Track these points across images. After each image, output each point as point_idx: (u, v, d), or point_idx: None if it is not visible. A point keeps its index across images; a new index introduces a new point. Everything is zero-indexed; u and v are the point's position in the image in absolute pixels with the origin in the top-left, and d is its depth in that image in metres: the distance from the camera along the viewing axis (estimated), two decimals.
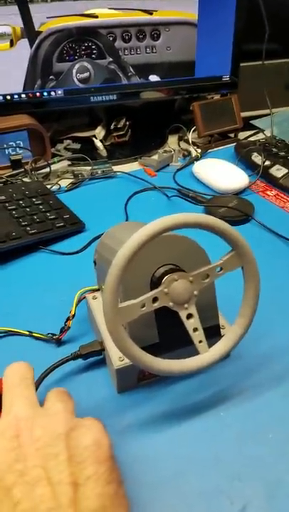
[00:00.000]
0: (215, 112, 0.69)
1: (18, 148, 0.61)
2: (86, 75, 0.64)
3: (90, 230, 0.50)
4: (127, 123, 0.71)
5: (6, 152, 0.61)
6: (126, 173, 0.62)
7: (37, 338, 0.35)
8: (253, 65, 0.73)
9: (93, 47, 0.62)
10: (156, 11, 0.63)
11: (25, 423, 0.20)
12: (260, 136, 0.70)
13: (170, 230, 0.24)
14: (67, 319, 0.35)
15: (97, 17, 0.61)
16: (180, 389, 0.31)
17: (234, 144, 0.68)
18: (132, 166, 0.65)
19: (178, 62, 0.67)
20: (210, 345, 0.28)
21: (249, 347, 0.33)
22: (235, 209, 0.51)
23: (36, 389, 0.24)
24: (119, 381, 0.30)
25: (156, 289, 0.26)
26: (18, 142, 0.62)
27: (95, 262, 0.36)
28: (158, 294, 0.26)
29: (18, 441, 0.19)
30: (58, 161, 0.63)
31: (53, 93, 0.64)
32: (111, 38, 0.62)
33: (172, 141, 0.72)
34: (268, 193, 0.58)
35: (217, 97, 0.74)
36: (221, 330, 0.31)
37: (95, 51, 0.63)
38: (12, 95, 0.63)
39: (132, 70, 0.65)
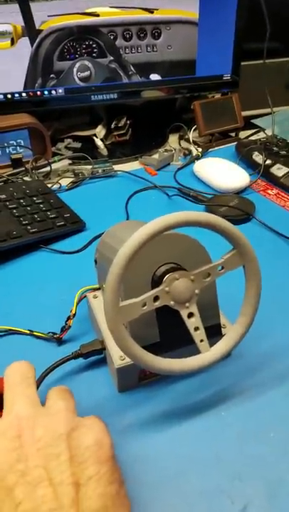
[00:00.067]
0: (216, 111, 0.69)
1: (18, 147, 0.61)
2: (87, 73, 0.64)
3: (90, 229, 0.50)
4: (128, 122, 0.71)
5: (7, 151, 0.61)
6: (126, 172, 0.62)
7: (38, 337, 0.35)
8: (254, 63, 0.73)
9: (94, 45, 0.62)
10: (157, 9, 0.62)
11: (26, 423, 0.20)
12: (261, 135, 0.70)
13: (171, 228, 0.24)
14: (68, 318, 0.35)
15: (98, 15, 0.60)
16: (181, 388, 0.31)
17: (235, 143, 0.68)
18: (133, 165, 0.65)
19: (179, 61, 0.67)
20: (211, 344, 0.28)
21: (250, 346, 0.33)
22: (236, 208, 0.50)
23: (37, 388, 0.24)
24: (120, 380, 0.30)
25: (158, 288, 0.26)
26: (18, 141, 0.61)
27: (95, 261, 0.36)
28: (159, 293, 0.26)
29: (20, 441, 0.19)
30: (59, 160, 0.63)
31: (53, 92, 0.64)
32: (112, 37, 0.62)
33: (173, 140, 0.72)
34: (269, 192, 0.58)
35: (218, 96, 0.74)
36: (222, 329, 0.31)
37: (95, 50, 0.62)
38: (13, 94, 0.62)
39: (132, 68, 0.65)
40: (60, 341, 0.35)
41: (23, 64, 0.61)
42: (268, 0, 0.66)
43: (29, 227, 0.47)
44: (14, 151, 0.61)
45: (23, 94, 0.63)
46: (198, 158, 0.65)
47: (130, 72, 0.66)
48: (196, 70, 0.68)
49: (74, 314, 0.35)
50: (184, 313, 0.27)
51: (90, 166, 0.62)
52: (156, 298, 0.26)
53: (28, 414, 0.21)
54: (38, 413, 0.21)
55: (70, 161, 0.64)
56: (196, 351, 0.27)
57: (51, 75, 0.63)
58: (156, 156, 0.65)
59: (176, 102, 0.78)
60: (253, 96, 0.75)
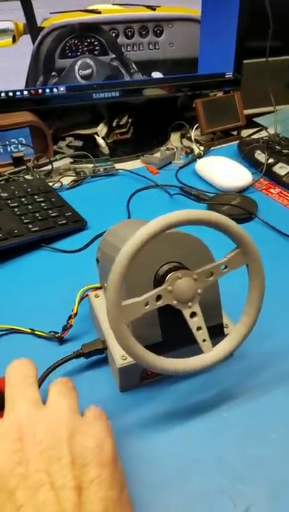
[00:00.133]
0: (218, 110, 0.69)
1: (20, 146, 0.61)
2: (88, 71, 0.64)
3: (91, 227, 0.50)
4: (130, 120, 0.71)
5: (8, 149, 0.61)
6: (128, 170, 0.61)
7: (39, 336, 0.35)
8: (256, 62, 0.72)
9: (96, 43, 0.62)
10: (159, 6, 0.62)
11: (27, 425, 0.20)
12: (264, 133, 0.69)
13: (174, 226, 0.24)
14: (70, 317, 0.35)
15: (100, 13, 0.60)
16: (183, 388, 0.31)
17: (237, 141, 0.68)
18: (134, 164, 0.65)
19: (181, 58, 0.66)
20: (213, 344, 0.27)
21: (252, 346, 0.33)
22: (239, 207, 0.50)
23: (39, 387, 0.24)
24: (122, 380, 0.30)
25: (160, 287, 0.26)
26: (20, 139, 0.61)
27: (97, 260, 0.36)
28: (162, 292, 0.26)
29: (21, 444, 0.19)
30: (60, 159, 0.63)
31: (55, 90, 0.64)
32: (114, 34, 0.62)
33: (174, 138, 0.72)
34: (272, 191, 0.57)
35: (220, 94, 0.74)
36: (225, 329, 0.31)
37: (97, 47, 0.62)
38: (14, 92, 0.62)
39: (134, 66, 0.65)
40: (61, 340, 0.35)
41: (25, 62, 0.61)
42: None
43: (30, 226, 0.46)
44: (16, 150, 0.61)
45: (25, 92, 0.63)
46: (200, 156, 0.64)
47: (132, 70, 0.65)
48: (198, 67, 0.68)
49: (75, 313, 0.35)
50: (186, 313, 0.26)
51: (92, 165, 0.62)
52: (158, 297, 0.26)
53: (28, 416, 0.20)
54: (39, 414, 0.21)
55: (72, 160, 0.64)
56: (199, 351, 0.27)
57: (53, 73, 0.62)
58: (157, 154, 0.65)
59: (177, 100, 0.78)
60: (255, 94, 0.74)
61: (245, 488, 0.25)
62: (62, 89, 0.64)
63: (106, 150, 0.68)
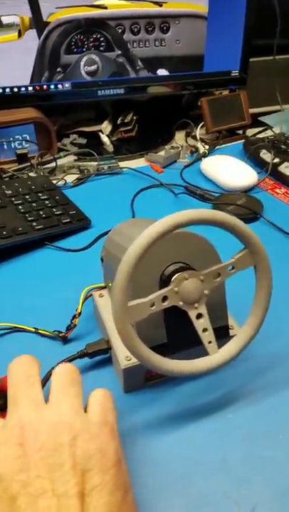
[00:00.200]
0: (223, 108, 0.68)
1: (24, 142, 0.61)
2: (94, 67, 0.63)
3: (95, 226, 0.50)
4: (134, 118, 0.70)
5: (12, 146, 0.60)
6: (132, 169, 0.61)
7: (43, 335, 0.35)
8: (263, 60, 0.72)
9: (102, 39, 0.61)
10: (166, 2, 0.61)
11: (28, 429, 0.20)
12: (269, 133, 0.69)
13: (182, 226, 0.23)
14: (74, 317, 0.34)
15: (106, 8, 0.59)
16: (187, 390, 0.31)
17: (242, 140, 0.67)
18: (139, 162, 0.64)
19: (187, 55, 0.65)
20: (218, 345, 0.27)
21: (258, 347, 0.32)
22: (244, 207, 0.50)
23: (42, 387, 0.23)
24: (126, 381, 0.30)
25: (166, 288, 0.25)
26: (24, 136, 0.61)
27: (102, 259, 0.35)
28: (168, 293, 0.25)
29: (23, 450, 0.19)
30: (64, 156, 0.62)
31: (60, 86, 0.63)
32: (120, 30, 0.61)
33: (179, 137, 0.71)
34: (277, 191, 0.57)
35: (225, 92, 0.73)
36: (230, 330, 0.31)
37: (103, 43, 0.62)
38: (19, 88, 0.62)
39: (140, 63, 0.64)
40: (65, 340, 0.35)
41: (30, 57, 0.60)
42: None
43: (35, 224, 0.46)
44: (20, 146, 0.61)
45: (29, 88, 0.62)
46: (205, 155, 0.64)
47: (138, 67, 0.65)
48: (204, 65, 0.67)
49: (80, 313, 0.34)
50: (192, 314, 0.26)
51: (96, 163, 0.61)
52: (164, 298, 0.25)
53: (30, 419, 0.20)
54: (40, 417, 0.20)
55: (76, 157, 0.64)
56: (204, 353, 0.27)
57: (58, 69, 0.62)
58: (162, 153, 0.64)
59: (182, 98, 0.77)
60: (261, 93, 0.74)
61: (250, 490, 0.25)
62: (67, 85, 0.63)
63: (110, 148, 0.67)
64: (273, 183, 0.58)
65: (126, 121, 0.69)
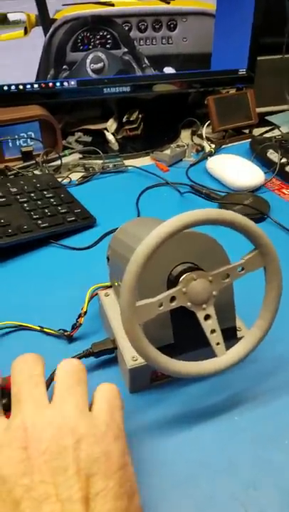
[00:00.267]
0: (230, 107, 0.67)
1: (29, 140, 0.60)
2: (100, 65, 0.63)
3: (100, 225, 0.50)
4: (140, 116, 0.70)
5: (17, 143, 0.60)
6: (137, 167, 0.61)
7: (48, 334, 0.35)
8: (271, 58, 0.71)
9: (108, 36, 0.61)
10: None
11: (32, 431, 0.19)
12: (276, 132, 0.68)
13: (192, 226, 0.23)
14: (79, 316, 0.34)
15: (113, 5, 0.59)
16: (193, 391, 0.31)
17: (249, 140, 0.67)
18: (144, 161, 0.64)
19: (194, 54, 0.65)
20: (226, 347, 0.27)
21: (265, 350, 0.32)
22: (251, 207, 0.49)
23: (47, 388, 0.23)
24: (132, 381, 0.30)
25: (174, 288, 0.25)
26: (29, 133, 0.61)
27: (108, 258, 0.35)
28: (176, 293, 0.25)
29: (27, 453, 0.19)
30: (70, 154, 0.62)
31: (65, 84, 0.63)
32: (126, 28, 0.61)
33: (185, 135, 0.71)
34: (284, 191, 0.56)
35: (232, 91, 0.72)
36: (237, 332, 0.31)
37: (109, 41, 0.61)
38: (24, 85, 0.61)
39: (146, 61, 0.64)
40: (70, 339, 0.34)
41: (36, 54, 0.60)
42: None
43: (40, 222, 0.46)
44: (25, 144, 0.60)
45: (35, 86, 0.62)
46: (211, 154, 0.63)
47: (144, 65, 0.64)
48: (211, 63, 0.67)
49: (85, 312, 0.34)
50: (200, 315, 0.26)
51: (101, 161, 0.61)
52: (172, 298, 0.25)
53: (34, 421, 0.20)
54: (44, 419, 0.20)
55: (81, 155, 0.63)
56: (210, 354, 0.26)
57: (64, 66, 0.62)
58: (168, 151, 0.64)
59: (189, 97, 0.77)
60: (268, 92, 0.73)
61: (257, 494, 0.25)
62: (72, 83, 0.63)
63: (115, 146, 0.67)
64: (280, 183, 0.58)
65: (131, 119, 0.69)
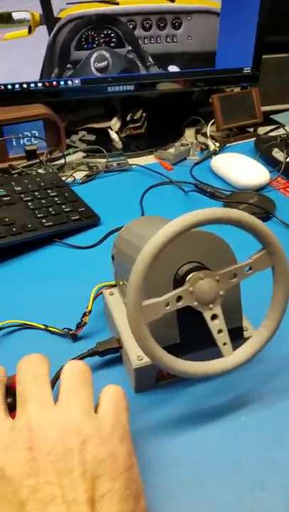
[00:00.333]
0: (234, 105, 0.67)
1: (33, 139, 0.60)
2: (104, 64, 0.62)
3: (104, 223, 0.49)
4: (144, 114, 0.69)
5: (21, 142, 0.60)
6: (141, 166, 0.60)
7: (52, 333, 0.35)
8: (276, 57, 0.70)
9: (112, 35, 0.61)
10: None
11: (37, 431, 0.19)
12: (281, 131, 0.68)
13: (199, 225, 0.23)
14: (84, 315, 0.34)
15: (117, 4, 0.59)
16: (199, 391, 0.30)
17: (253, 138, 0.66)
18: (148, 159, 0.63)
19: (198, 52, 0.65)
20: (232, 347, 0.27)
21: (271, 350, 0.31)
22: (256, 206, 0.49)
23: (52, 387, 0.23)
24: (137, 381, 0.29)
25: (181, 288, 0.25)
26: (33, 132, 0.60)
27: (112, 257, 0.35)
28: (182, 293, 0.25)
29: (32, 454, 0.19)
30: (73, 153, 0.62)
31: (69, 82, 0.63)
32: (131, 26, 0.61)
33: (189, 134, 0.70)
34: None
35: (237, 89, 0.72)
36: (244, 332, 0.30)
37: (114, 39, 0.61)
38: (28, 84, 0.61)
39: (151, 59, 0.64)
40: (75, 338, 0.34)
41: (40, 53, 0.60)
42: None
43: (44, 221, 0.46)
44: (29, 143, 0.60)
45: (39, 84, 0.62)
46: (215, 153, 0.63)
47: (148, 63, 0.64)
48: (216, 62, 0.66)
49: (90, 311, 0.34)
50: (207, 315, 0.26)
51: (105, 160, 0.61)
52: (179, 298, 0.25)
53: (39, 422, 0.20)
54: (50, 418, 0.20)
55: (85, 154, 0.63)
56: (216, 354, 0.26)
57: (68, 65, 0.61)
58: (172, 150, 0.64)
59: (192, 95, 0.76)
60: (273, 90, 0.73)
61: (263, 494, 0.25)
62: (76, 81, 0.63)
63: (119, 145, 0.67)
64: (285, 182, 0.57)
65: (135, 117, 0.69)
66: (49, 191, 0.50)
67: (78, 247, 0.46)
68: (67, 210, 0.48)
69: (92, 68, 0.62)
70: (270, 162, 0.60)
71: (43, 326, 0.35)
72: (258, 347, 0.26)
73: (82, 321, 0.34)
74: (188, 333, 0.28)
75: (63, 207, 0.49)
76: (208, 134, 0.67)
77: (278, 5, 0.66)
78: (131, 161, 0.62)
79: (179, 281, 0.26)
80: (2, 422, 0.20)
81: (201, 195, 0.54)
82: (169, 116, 0.73)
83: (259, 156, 0.60)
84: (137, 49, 0.62)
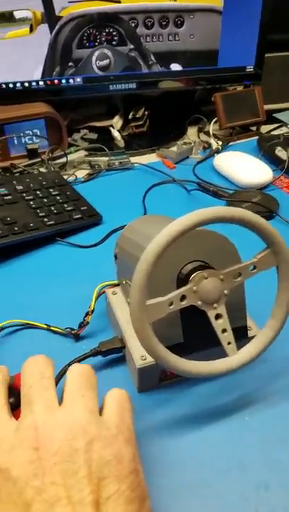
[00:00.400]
0: (237, 104, 0.67)
1: (34, 137, 0.60)
2: (106, 62, 0.62)
3: (107, 222, 0.49)
4: (146, 113, 0.69)
5: (23, 141, 0.60)
6: (144, 164, 0.60)
7: (55, 332, 0.35)
8: (279, 55, 0.70)
9: (114, 33, 0.60)
10: None
11: (43, 432, 0.19)
12: (284, 129, 0.68)
13: (203, 224, 0.23)
14: (86, 314, 0.34)
15: (119, 2, 0.58)
16: (203, 391, 0.30)
17: (256, 137, 0.66)
18: (150, 158, 0.63)
19: (201, 50, 0.64)
20: (236, 347, 0.26)
21: (275, 350, 0.31)
22: (260, 204, 0.49)
23: (56, 385, 0.23)
24: (141, 381, 0.29)
25: (185, 287, 0.25)
26: (35, 131, 0.60)
27: (115, 256, 0.35)
28: (186, 292, 0.25)
29: (38, 454, 0.18)
30: (75, 151, 0.62)
31: (71, 81, 0.62)
32: (133, 24, 0.60)
33: (191, 132, 0.70)
34: None
35: (239, 88, 0.72)
36: (248, 331, 0.30)
37: (115, 38, 0.61)
38: (30, 82, 0.61)
39: (153, 58, 0.63)
40: (77, 337, 0.34)
41: (42, 52, 0.60)
42: None
43: (46, 220, 0.46)
44: (30, 141, 0.60)
45: (41, 83, 0.62)
46: (218, 151, 0.63)
47: (150, 62, 0.64)
48: (218, 60, 0.66)
49: (92, 310, 0.34)
50: (211, 314, 0.25)
51: (107, 158, 0.61)
52: (183, 297, 0.25)
53: (44, 422, 0.19)
54: (55, 419, 0.20)
55: (86, 153, 0.63)
56: (220, 353, 0.26)
57: (69, 63, 0.61)
58: (174, 148, 0.63)
59: (195, 94, 0.76)
60: (276, 89, 0.72)
61: (267, 494, 0.25)
62: (78, 80, 0.63)
63: (121, 143, 0.67)
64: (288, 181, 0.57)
65: (137, 116, 0.68)
66: (51, 190, 0.50)
67: (80, 246, 0.45)
68: (69, 209, 0.48)
69: (94, 66, 0.62)
70: (273, 161, 0.59)
71: (46, 326, 0.35)
72: (262, 346, 0.26)
73: (84, 320, 0.34)
74: (192, 333, 0.28)
75: (65, 206, 0.48)
76: (211, 133, 0.66)
77: (280, 3, 0.66)
78: (133, 159, 0.62)
79: (182, 281, 0.26)
80: (6, 423, 0.20)
81: (203, 193, 0.54)
82: (172, 115, 0.73)
83: (262, 155, 0.60)
84: (139, 47, 0.62)
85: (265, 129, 0.70)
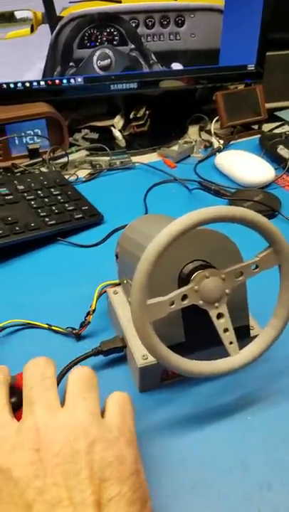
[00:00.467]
0: (239, 103, 0.67)
1: (35, 137, 0.60)
2: (107, 62, 0.62)
3: (108, 222, 0.49)
4: (147, 112, 0.69)
5: (24, 141, 0.60)
6: (145, 164, 0.60)
7: (56, 332, 0.35)
8: (279, 54, 0.70)
9: (115, 33, 0.60)
10: None
11: (44, 434, 0.19)
12: (286, 128, 0.67)
13: (204, 223, 0.23)
14: (88, 314, 0.34)
15: (120, 2, 0.58)
16: (204, 391, 0.30)
17: (258, 135, 0.66)
18: (151, 157, 0.63)
19: (202, 49, 0.64)
20: (239, 346, 0.26)
21: (277, 349, 0.31)
22: (262, 203, 0.48)
23: (57, 385, 0.23)
24: (142, 380, 0.29)
25: (186, 286, 0.25)
26: (36, 131, 0.60)
27: (116, 256, 0.35)
28: (188, 292, 0.24)
29: (39, 455, 0.18)
30: (76, 151, 0.62)
31: (72, 80, 0.63)
32: (134, 24, 0.60)
33: (193, 131, 0.70)
34: None
35: (241, 86, 0.71)
36: (250, 331, 0.30)
37: (116, 37, 0.61)
38: (31, 82, 0.61)
39: (154, 57, 0.63)
40: (78, 337, 0.34)
41: (43, 51, 0.60)
42: None
43: (47, 220, 0.46)
44: (31, 141, 0.60)
45: (42, 83, 0.62)
46: (219, 150, 0.62)
47: (151, 61, 0.64)
48: (220, 59, 0.66)
49: (94, 310, 0.34)
50: (212, 314, 0.25)
51: (108, 158, 0.61)
52: (184, 297, 0.24)
53: (46, 424, 0.19)
54: (57, 421, 0.20)
55: (88, 152, 0.63)
56: (222, 353, 0.26)
57: (70, 63, 0.61)
58: (175, 147, 0.63)
59: (196, 93, 0.76)
60: (278, 87, 0.72)
61: (270, 494, 0.25)
62: (79, 79, 0.63)
63: (122, 143, 0.67)
64: None
65: (138, 115, 0.68)
66: (52, 190, 0.50)
67: (82, 246, 0.45)
68: (70, 208, 0.48)
69: (95, 66, 0.62)
70: (275, 159, 0.59)
71: (47, 326, 0.35)
72: (264, 346, 0.26)
73: (85, 320, 0.34)
74: (194, 332, 0.28)
75: (66, 205, 0.48)
76: (212, 132, 0.66)
77: (281, 1, 0.66)
78: (134, 159, 0.62)
79: (184, 280, 0.26)
80: (8, 423, 0.20)
81: (205, 192, 0.54)
82: (173, 114, 0.73)
83: (264, 154, 0.60)
84: (140, 47, 0.62)
85: (266, 127, 0.69)
